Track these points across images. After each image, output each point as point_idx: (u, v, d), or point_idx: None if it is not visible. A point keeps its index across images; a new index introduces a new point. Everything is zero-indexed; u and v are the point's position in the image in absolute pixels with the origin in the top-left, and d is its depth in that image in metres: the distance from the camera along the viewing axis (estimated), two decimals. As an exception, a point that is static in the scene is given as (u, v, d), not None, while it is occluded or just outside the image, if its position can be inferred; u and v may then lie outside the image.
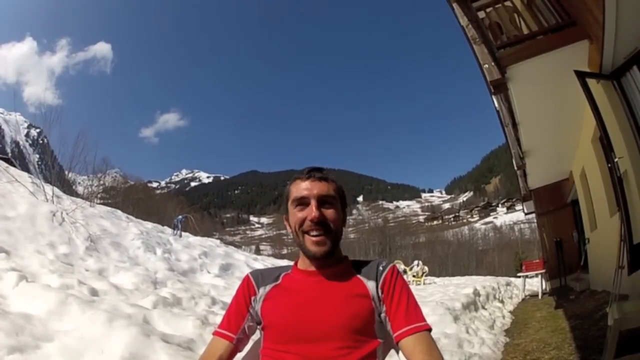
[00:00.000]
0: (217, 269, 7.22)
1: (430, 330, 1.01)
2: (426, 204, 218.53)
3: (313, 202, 1.04)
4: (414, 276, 14.90)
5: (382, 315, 1.04)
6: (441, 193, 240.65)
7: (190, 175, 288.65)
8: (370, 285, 1.06)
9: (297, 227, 1.06)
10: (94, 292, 3.54)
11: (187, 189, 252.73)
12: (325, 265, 1.08)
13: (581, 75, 3.79)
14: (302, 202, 1.06)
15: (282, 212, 1.16)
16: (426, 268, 15.75)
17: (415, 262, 16.17)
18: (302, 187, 1.07)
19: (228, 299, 4.16)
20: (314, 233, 1.04)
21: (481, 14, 4.67)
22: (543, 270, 9.31)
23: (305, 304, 1.03)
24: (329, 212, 1.05)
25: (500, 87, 4.41)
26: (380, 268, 1.08)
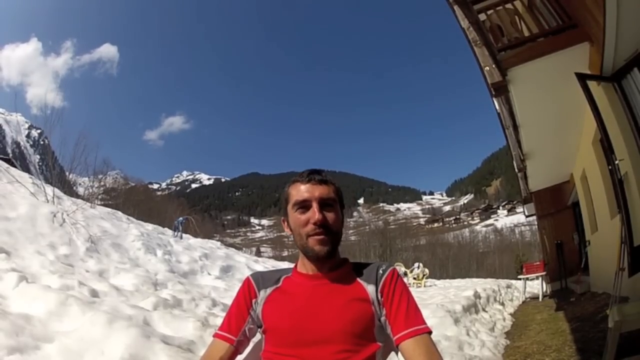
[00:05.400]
0: (217, 271, 7.22)
1: (430, 333, 1.00)
2: (427, 207, 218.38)
3: (315, 205, 1.04)
4: (414, 278, 14.90)
5: (382, 319, 1.04)
6: (442, 195, 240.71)
7: (191, 177, 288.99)
8: (370, 289, 1.06)
9: (299, 229, 1.05)
10: (94, 293, 3.53)
11: (188, 190, 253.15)
12: (325, 268, 1.08)
13: (582, 78, 3.78)
14: (304, 205, 1.05)
15: (281, 215, 1.16)
16: (427, 270, 15.74)
17: (416, 264, 16.19)
18: (303, 190, 1.06)
19: (228, 301, 4.15)
20: (317, 232, 1.04)
21: (482, 16, 4.67)
22: (543, 273, 9.29)
23: (305, 307, 1.03)
24: (330, 215, 1.06)
25: (501, 90, 4.40)
26: (380, 272, 1.08)
